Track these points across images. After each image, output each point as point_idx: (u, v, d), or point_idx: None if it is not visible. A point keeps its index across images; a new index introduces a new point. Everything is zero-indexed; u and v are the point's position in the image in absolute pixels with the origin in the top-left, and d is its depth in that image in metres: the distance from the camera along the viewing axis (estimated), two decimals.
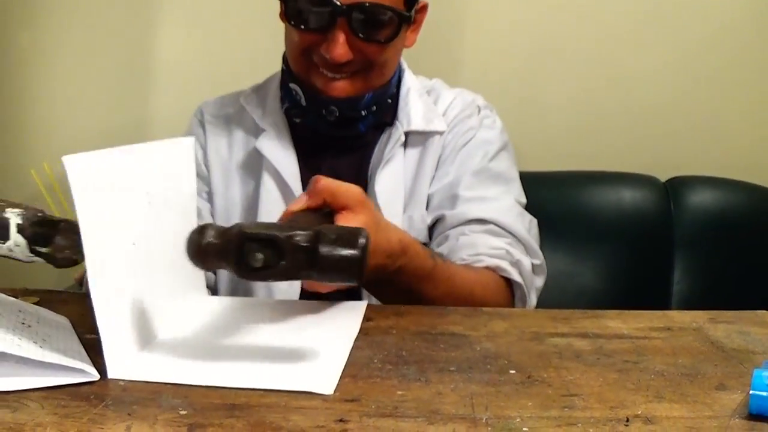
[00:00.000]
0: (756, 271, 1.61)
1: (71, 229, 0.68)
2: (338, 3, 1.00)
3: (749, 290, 1.57)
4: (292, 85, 1.12)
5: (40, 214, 0.68)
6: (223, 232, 0.61)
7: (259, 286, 1.08)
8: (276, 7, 1.09)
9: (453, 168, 1.12)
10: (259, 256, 0.60)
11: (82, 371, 0.59)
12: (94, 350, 0.64)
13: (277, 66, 1.18)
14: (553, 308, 0.83)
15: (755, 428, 0.53)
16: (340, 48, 1.02)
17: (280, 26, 1.11)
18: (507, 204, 1.09)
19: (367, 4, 1.01)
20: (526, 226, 1.09)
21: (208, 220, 1.14)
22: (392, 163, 1.11)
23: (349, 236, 0.60)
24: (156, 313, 0.70)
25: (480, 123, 1.15)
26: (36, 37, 1.87)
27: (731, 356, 0.68)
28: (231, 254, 0.60)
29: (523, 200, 1.14)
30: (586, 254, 1.66)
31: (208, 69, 1.84)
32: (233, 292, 1.10)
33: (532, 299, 1.05)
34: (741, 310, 0.82)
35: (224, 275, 1.11)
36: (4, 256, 0.68)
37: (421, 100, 1.16)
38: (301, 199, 0.81)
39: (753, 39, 1.80)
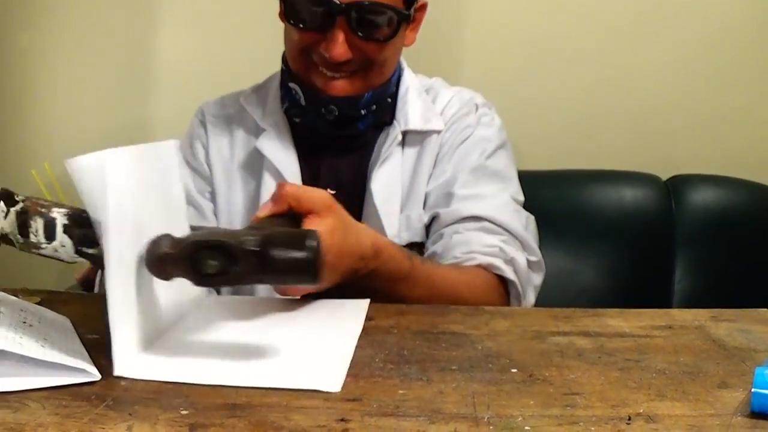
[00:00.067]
0: (757, 269, 1.61)
1: None
2: (337, 2, 1.00)
3: (751, 288, 1.57)
4: (292, 85, 1.12)
5: (84, 215, 0.67)
6: (178, 242, 0.62)
7: (260, 286, 1.08)
8: (276, 6, 1.09)
9: (450, 166, 1.11)
10: (213, 262, 0.61)
11: (83, 371, 0.59)
12: (95, 350, 0.64)
13: (277, 66, 1.18)
14: (554, 307, 0.83)
15: (757, 426, 0.53)
16: (339, 47, 1.02)
17: (280, 26, 1.11)
18: (502, 201, 1.08)
19: (366, 3, 1.01)
20: (523, 222, 1.08)
21: (211, 219, 1.15)
22: (389, 162, 1.11)
23: (299, 238, 0.61)
24: (159, 313, 0.70)
25: (478, 121, 1.15)
26: (36, 37, 1.87)
27: (733, 354, 0.68)
28: (185, 262, 0.61)
29: (521, 198, 1.13)
30: (588, 253, 1.66)
31: (208, 69, 1.84)
32: (235, 290, 1.10)
33: (530, 297, 1.04)
34: (743, 308, 0.82)
35: None
36: (49, 256, 0.67)
37: (419, 99, 1.16)
38: (266, 206, 0.80)
39: (753, 37, 1.80)
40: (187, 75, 1.86)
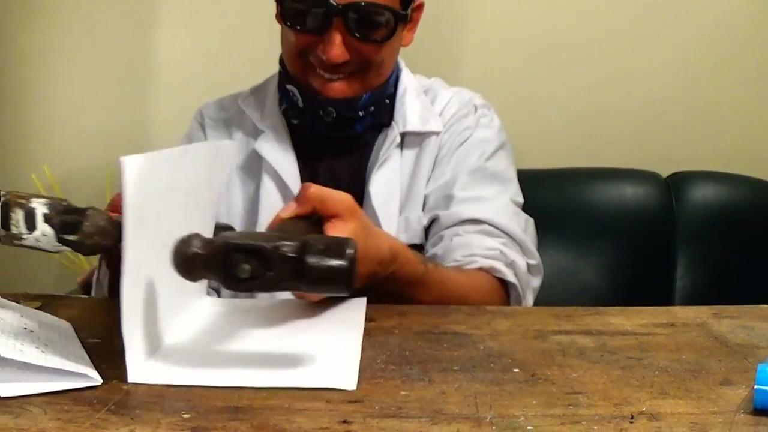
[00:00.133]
0: (759, 265, 1.61)
1: (99, 215, 0.67)
2: (334, 3, 1.00)
3: (752, 285, 1.57)
4: (289, 87, 1.11)
5: (64, 203, 0.67)
6: (210, 243, 0.60)
7: None
8: (275, 7, 1.08)
9: (449, 168, 1.11)
10: (246, 266, 0.59)
11: (84, 376, 0.59)
12: (96, 354, 0.64)
13: (276, 66, 1.17)
14: (556, 306, 0.83)
15: (761, 423, 0.53)
16: (336, 49, 1.02)
17: (279, 26, 1.10)
18: (502, 204, 1.08)
19: (363, 4, 1.00)
20: (522, 225, 1.08)
21: None
22: (388, 164, 1.11)
23: (337, 246, 0.60)
24: (165, 317, 0.70)
25: (477, 122, 1.15)
26: (36, 37, 1.87)
27: (735, 351, 0.68)
28: (217, 265, 0.59)
29: (520, 200, 1.13)
30: (589, 251, 1.65)
31: (208, 69, 1.84)
32: (236, 293, 1.10)
33: (528, 300, 1.04)
34: (744, 304, 0.82)
35: None
36: (31, 247, 0.67)
37: (418, 100, 1.15)
38: (290, 206, 0.80)
39: (752, 35, 1.80)
40: (186, 75, 1.86)
